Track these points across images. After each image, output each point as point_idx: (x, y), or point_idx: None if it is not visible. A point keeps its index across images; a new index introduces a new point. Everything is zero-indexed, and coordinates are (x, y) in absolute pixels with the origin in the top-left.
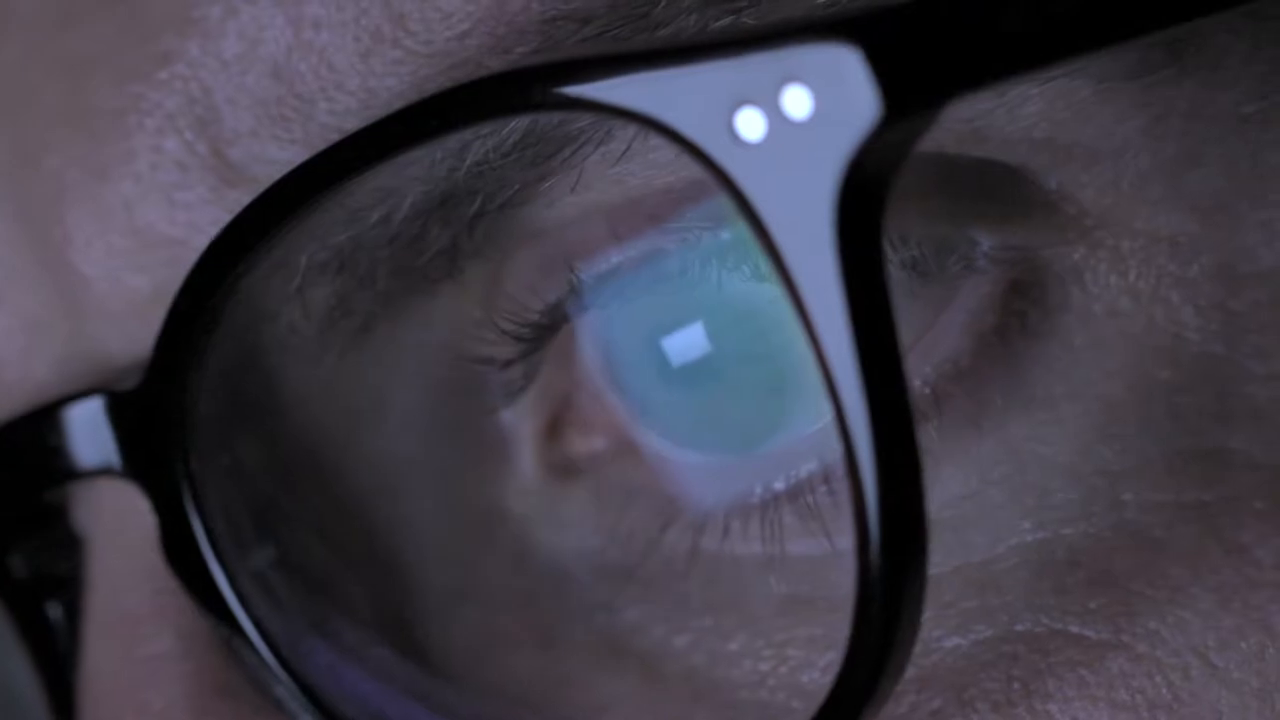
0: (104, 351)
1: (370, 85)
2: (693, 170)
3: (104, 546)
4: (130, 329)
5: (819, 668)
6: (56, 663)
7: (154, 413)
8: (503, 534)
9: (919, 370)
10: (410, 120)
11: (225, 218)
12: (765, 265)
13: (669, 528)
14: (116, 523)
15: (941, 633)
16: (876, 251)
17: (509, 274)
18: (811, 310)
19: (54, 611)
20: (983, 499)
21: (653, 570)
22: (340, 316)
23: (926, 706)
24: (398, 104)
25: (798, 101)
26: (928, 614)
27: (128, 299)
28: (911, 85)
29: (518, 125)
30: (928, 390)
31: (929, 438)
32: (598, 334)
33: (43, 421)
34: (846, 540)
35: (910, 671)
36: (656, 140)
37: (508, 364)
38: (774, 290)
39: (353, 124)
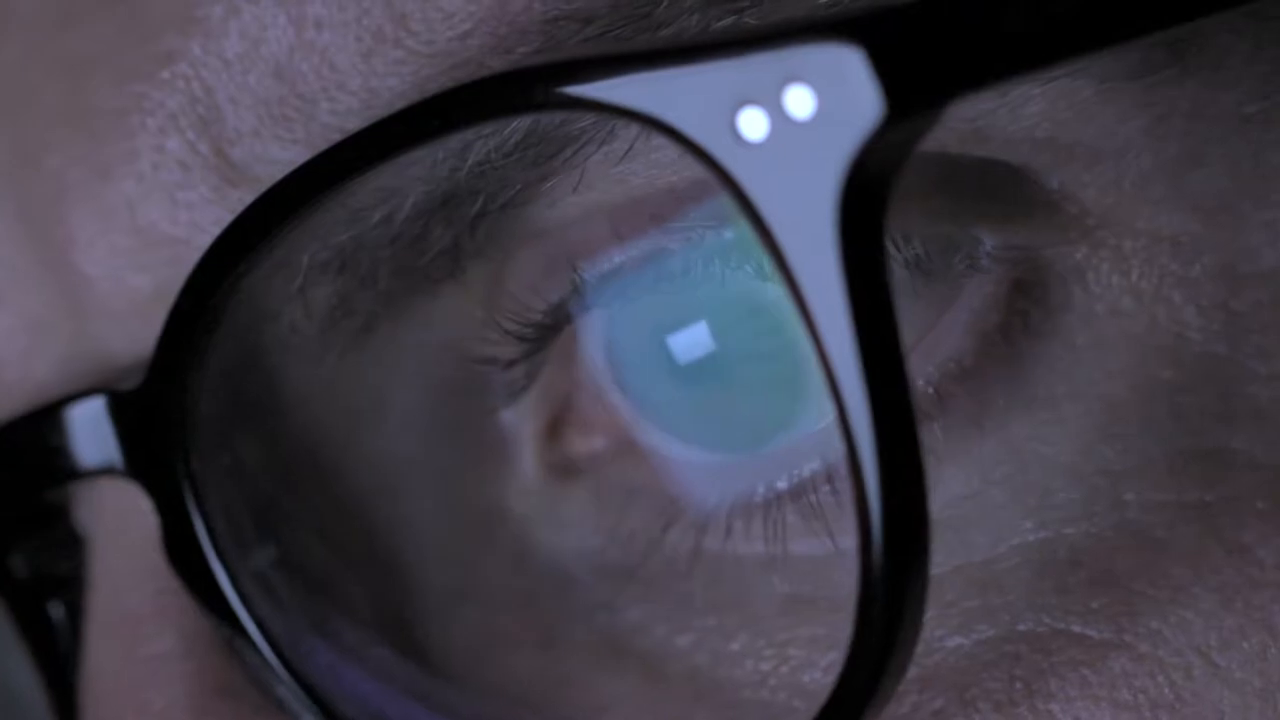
0: (106, 351)
1: (372, 85)
2: (695, 170)
3: (106, 546)
4: (132, 328)
5: (821, 667)
6: (58, 663)
7: (156, 412)
8: (503, 534)
9: (922, 370)
10: (412, 120)
11: (227, 217)
12: (768, 265)
13: (671, 527)
14: (118, 522)
15: (943, 632)
16: (879, 251)
17: (511, 274)
18: (814, 310)
19: (55, 611)
20: (985, 499)
21: (654, 570)
22: (342, 316)
23: (928, 706)
24: (399, 104)
25: (800, 101)
26: (930, 614)
27: (130, 298)
28: (914, 85)
29: (520, 125)
30: (930, 390)
31: (932, 437)
32: (600, 334)
33: (44, 421)
34: (849, 540)
35: (912, 671)
36: (659, 140)
37: (510, 364)
38: (776, 290)
39: (355, 124)
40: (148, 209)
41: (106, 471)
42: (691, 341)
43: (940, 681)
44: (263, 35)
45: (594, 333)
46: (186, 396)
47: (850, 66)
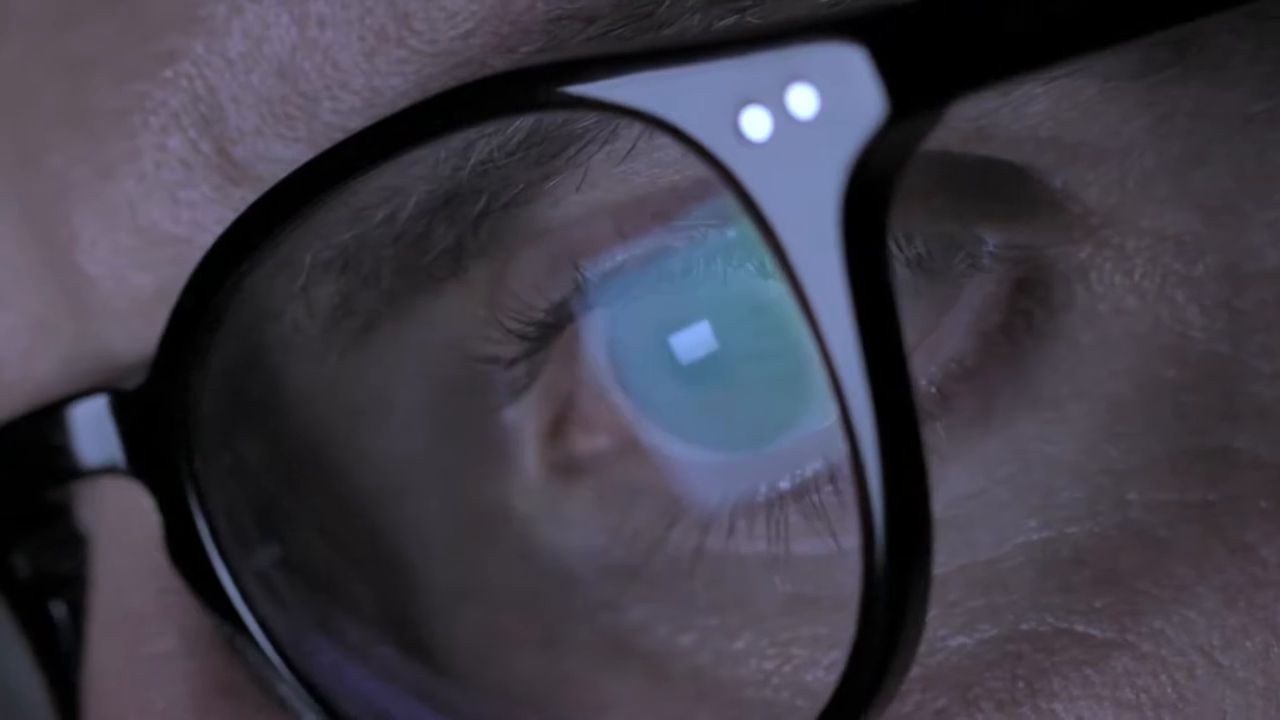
0: (108, 350)
1: (375, 84)
2: (698, 169)
3: (108, 545)
4: (134, 328)
5: (824, 666)
6: (60, 662)
7: (158, 411)
8: (506, 533)
9: (925, 369)
10: (415, 119)
11: (230, 216)
12: (770, 264)
13: (674, 527)
14: (120, 521)
15: (946, 632)
16: (881, 250)
17: (514, 273)
18: (817, 309)
19: (57, 610)
20: (988, 498)
21: (657, 569)
22: (344, 315)
23: (931, 705)
24: (402, 103)
25: (803, 100)
26: (933, 613)
27: (132, 298)
28: (917, 84)
29: (522, 124)
30: (933, 389)
31: (935, 437)
32: (602, 333)
33: (47, 420)
34: (852, 539)
35: (915, 670)
36: (662, 139)
37: (512, 363)
38: (779, 289)
39: (357, 123)
40: (150, 208)
41: (109, 470)
42: (694, 341)
43: (943, 681)
44: (265, 34)
45: (596, 332)
46: (189, 395)
47: (853, 66)
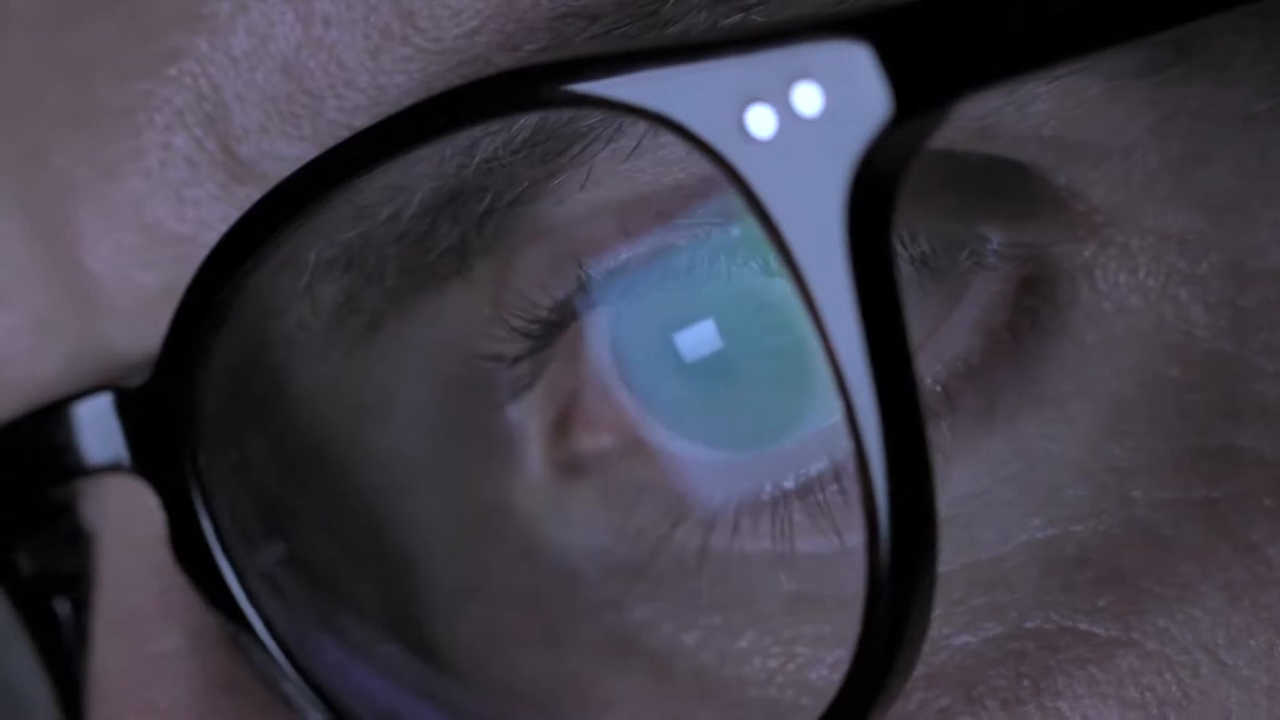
0: (112, 348)
1: (380, 82)
2: (703, 167)
3: (112, 543)
4: (139, 326)
5: (828, 665)
6: (63, 660)
7: (162, 409)
8: (510, 531)
9: (930, 368)
10: (419, 117)
11: (234, 214)
12: (775, 262)
13: (678, 525)
14: (125, 520)
15: (950, 630)
16: (886, 248)
17: (518, 271)
18: (821, 307)
19: (61, 608)
20: (992, 496)
21: (661, 568)
22: (348, 313)
23: (935, 704)
24: (407, 101)
25: (808, 98)
26: (937, 611)
27: (136, 296)
28: (922, 83)
29: (527, 122)
30: (938, 388)
31: (940, 435)
32: (606, 331)
33: (51, 418)
34: (856, 538)
35: (919, 669)
36: (666, 137)
37: (516, 361)
38: (783, 287)
39: (362, 121)
40: (154, 206)
41: (113, 469)
42: (698, 339)
43: (947, 679)
44: (270, 32)
45: (600, 330)
46: (193, 394)
47: (858, 64)
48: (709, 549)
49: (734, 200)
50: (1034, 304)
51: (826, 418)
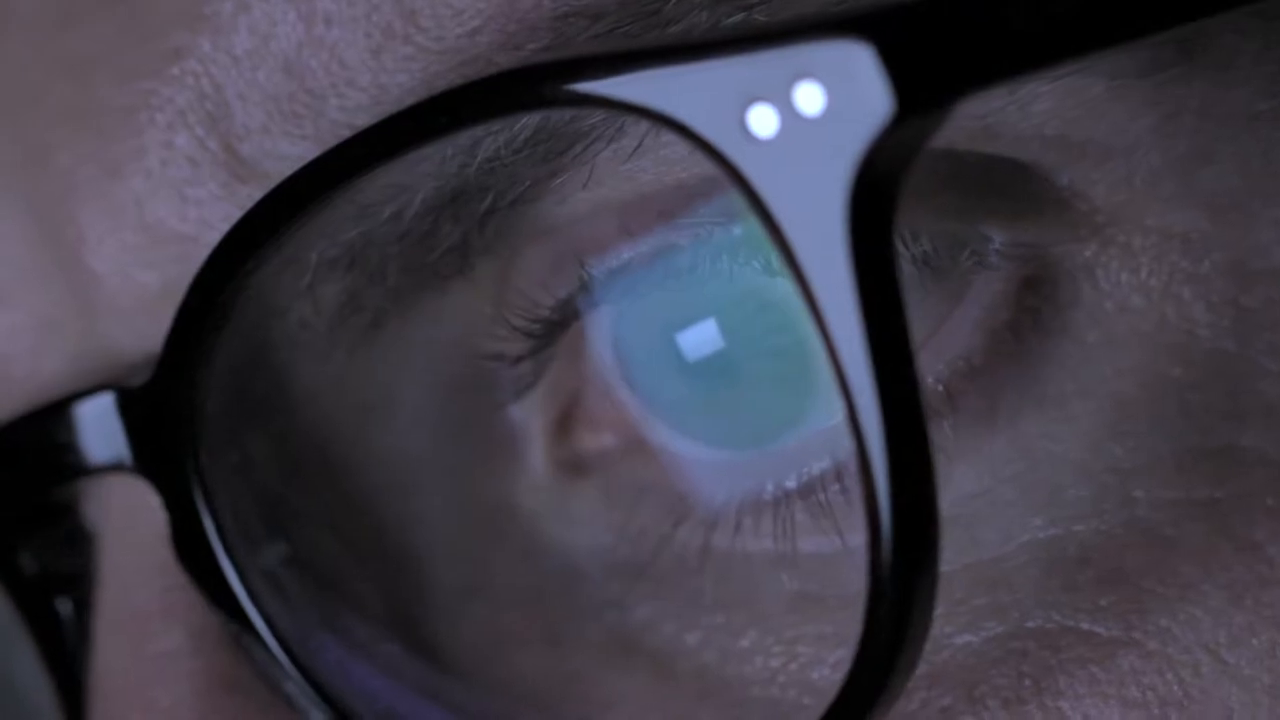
0: (114, 348)
1: (381, 81)
2: (705, 166)
3: (114, 543)
4: (140, 325)
5: (830, 665)
6: (65, 659)
7: (164, 409)
8: (512, 530)
9: (932, 368)
10: (421, 117)
11: (236, 214)
12: (776, 261)
13: (680, 525)
14: (127, 519)
15: (952, 629)
16: (888, 248)
17: (520, 270)
18: (823, 306)
19: (63, 608)
20: (994, 496)
21: (663, 567)
22: (350, 313)
23: (937, 703)
24: (409, 100)
25: (810, 98)
26: (939, 611)
27: (138, 295)
28: (924, 82)
29: (529, 122)
30: (940, 387)
31: (942, 435)
32: (608, 330)
33: (53, 418)
34: (858, 537)
35: (921, 668)
36: (668, 136)
37: (518, 360)
38: (785, 286)
39: (364, 120)
40: (156, 206)
41: (115, 468)
42: (700, 338)
43: (949, 678)
44: (272, 31)
45: (602, 329)
46: (195, 393)
47: (860, 63)
48: (711, 548)
49: (736, 200)
50: (1036, 303)
51: (828, 417)
